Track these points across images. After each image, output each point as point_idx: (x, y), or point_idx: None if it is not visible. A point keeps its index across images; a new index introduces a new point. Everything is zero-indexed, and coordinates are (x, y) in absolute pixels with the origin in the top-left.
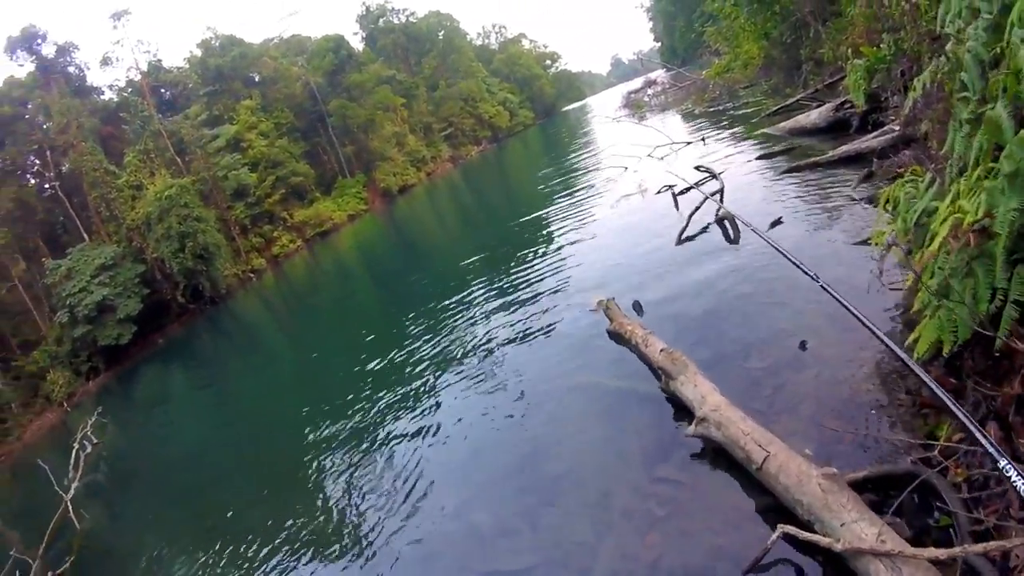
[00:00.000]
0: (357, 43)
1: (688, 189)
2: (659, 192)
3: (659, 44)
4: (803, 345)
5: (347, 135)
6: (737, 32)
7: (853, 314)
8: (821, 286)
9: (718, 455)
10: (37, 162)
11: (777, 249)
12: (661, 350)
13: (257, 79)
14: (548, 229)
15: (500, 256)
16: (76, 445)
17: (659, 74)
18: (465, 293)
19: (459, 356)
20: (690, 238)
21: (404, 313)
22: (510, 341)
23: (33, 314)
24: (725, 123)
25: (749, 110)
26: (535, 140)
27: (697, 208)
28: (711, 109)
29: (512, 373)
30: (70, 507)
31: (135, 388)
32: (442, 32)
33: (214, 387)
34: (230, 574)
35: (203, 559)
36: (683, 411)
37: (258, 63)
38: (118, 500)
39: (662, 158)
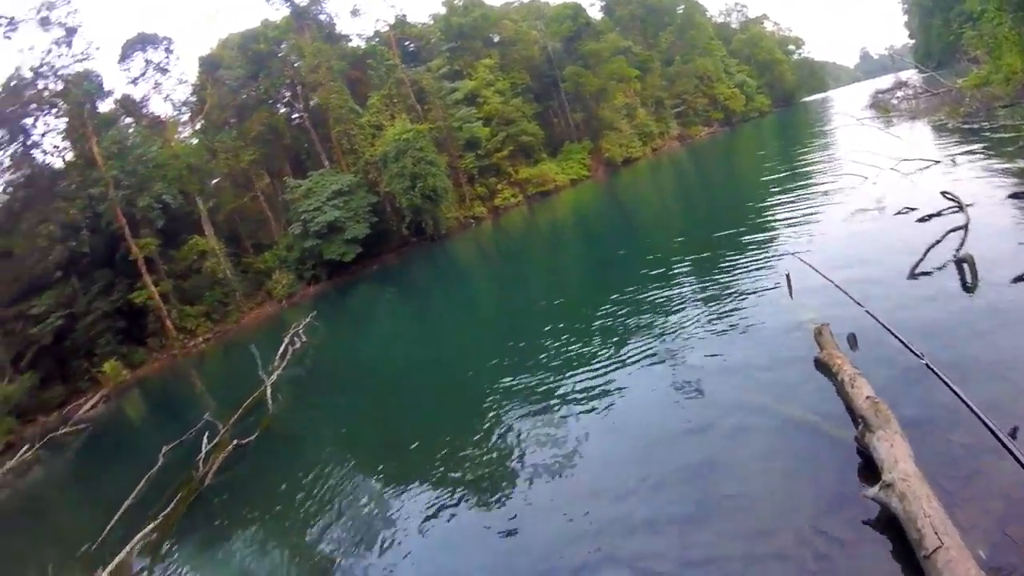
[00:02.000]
0: (595, 13)
1: (931, 216)
2: (899, 213)
3: (913, 41)
4: (1014, 432)
5: (578, 101)
6: (1000, 40)
7: None
8: None
9: (889, 526)
10: (288, 95)
11: None
12: (867, 397)
13: (496, 40)
14: (769, 228)
15: (712, 245)
16: (287, 339)
17: (911, 75)
18: (669, 277)
19: (651, 342)
20: (925, 273)
21: (606, 284)
22: (707, 340)
23: (269, 223)
24: (979, 145)
25: (1007, 134)
26: (770, 129)
27: (937, 242)
28: (965, 125)
29: (703, 375)
30: (268, 390)
31: (349, 301)
32: (682, 7)
33: (418, 314)
34: (389, 481)
35: (370, 462)
36: (870, 467)
37: (498, 25)
38: (311, 394)
39: (907, 174)
